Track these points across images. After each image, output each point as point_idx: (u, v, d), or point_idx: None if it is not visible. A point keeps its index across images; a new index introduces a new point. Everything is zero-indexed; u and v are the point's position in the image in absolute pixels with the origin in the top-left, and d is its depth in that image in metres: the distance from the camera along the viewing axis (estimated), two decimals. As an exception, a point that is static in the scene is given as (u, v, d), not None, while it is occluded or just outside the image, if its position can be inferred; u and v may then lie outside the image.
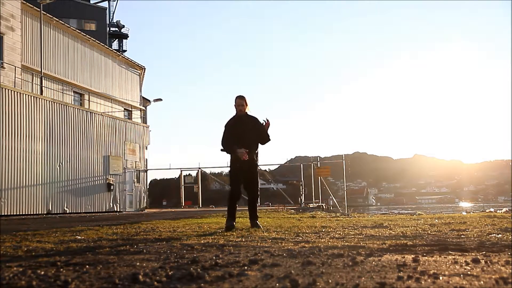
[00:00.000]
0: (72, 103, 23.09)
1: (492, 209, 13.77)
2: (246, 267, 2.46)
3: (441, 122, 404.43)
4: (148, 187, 31.64)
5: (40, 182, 17.48)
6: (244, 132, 6.11)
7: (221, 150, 6.19)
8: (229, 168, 6.28)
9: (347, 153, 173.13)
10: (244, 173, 6.05)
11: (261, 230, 5.35)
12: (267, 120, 6.22)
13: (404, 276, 2.12)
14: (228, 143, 6.12)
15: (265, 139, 6.29)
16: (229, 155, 6.17)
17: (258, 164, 6.40)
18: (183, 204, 32.80)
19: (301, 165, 33.47)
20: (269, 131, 6.25)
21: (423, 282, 2.00)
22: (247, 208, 6.25)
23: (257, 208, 6.26)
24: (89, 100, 25.38)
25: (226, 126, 6.23)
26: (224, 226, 5.87)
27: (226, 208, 6.06)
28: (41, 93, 19.58)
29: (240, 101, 6.21)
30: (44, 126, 17.89)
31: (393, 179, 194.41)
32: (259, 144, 6.32)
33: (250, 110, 6.30)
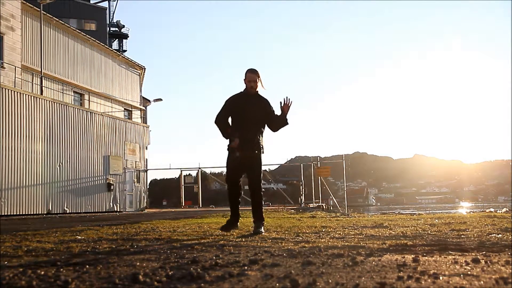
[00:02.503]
0: (72, 103, 23.09)
1: (492, 209, 13.76)
2: (246, 267, 2.46)
3: (441, 122, 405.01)
4: (148, 187, 31.65)
5: (40, 182, 17.47)
6: (248, 113, 4.98)
7: (215, 123, 5.14)
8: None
9: (347, 153, 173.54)
10: (245, 169, 5.05)
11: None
12: (288, 100, 4.99)
13: (404, 276, 2.12)
14: (225, 122, 5.04)
15: (280, 124, 5.12)
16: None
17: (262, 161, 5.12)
18: (183, 204, 32.78)
19: (301, 165, 33.44)
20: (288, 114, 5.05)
21: (423, 282, 1.99)
22: (247, 208, 6.09)
23: (261, 207, 5.21)
24: (89, 100, 25.38)
25: (227, 101, 5.13)
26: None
27: (228, 208, 5.34)
28: (41, 93, 19.58)
29: (253, 76, 5.00)
30: (44, 126, 17.88)
31: (393, 179, 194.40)
32: (272, 131, 5.22)
33: (262, 91, 5.16)
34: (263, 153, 5.11)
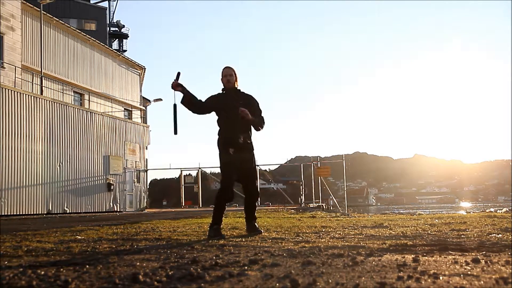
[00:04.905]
0: (72, 103, 23.09)
1: (492, 209, 13.76)
2: (246, 267, 2.46)
3: (441, 122, 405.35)
4: (148, 187, 31.64)
5: (40, 182, 17.48)
6: (234, 108, 4.70)
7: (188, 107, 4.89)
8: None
9: (347, 153, 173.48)
10: (240, 167, 4.80)
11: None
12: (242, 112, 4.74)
13: (404, 276, 2.11)
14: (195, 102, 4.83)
15: (258, 123, 4.90)
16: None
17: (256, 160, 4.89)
18: (183, 204, 32.79)
19: (301, 165, 33.49)
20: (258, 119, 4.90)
21: (423, 282, 1.99)
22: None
23: (256, 208, 5.18)
24: (89, 100, 25.38)
25: (208, 98, 4.98)
26: (208, 233, 4.61)
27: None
28: (41, 93, 19.58)
29: (228, 70, 4.89)
30: (44, 126, 17.88)
31: (393, 179, 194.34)
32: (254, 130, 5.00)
33: (240, 87, 5.05)
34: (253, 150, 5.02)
